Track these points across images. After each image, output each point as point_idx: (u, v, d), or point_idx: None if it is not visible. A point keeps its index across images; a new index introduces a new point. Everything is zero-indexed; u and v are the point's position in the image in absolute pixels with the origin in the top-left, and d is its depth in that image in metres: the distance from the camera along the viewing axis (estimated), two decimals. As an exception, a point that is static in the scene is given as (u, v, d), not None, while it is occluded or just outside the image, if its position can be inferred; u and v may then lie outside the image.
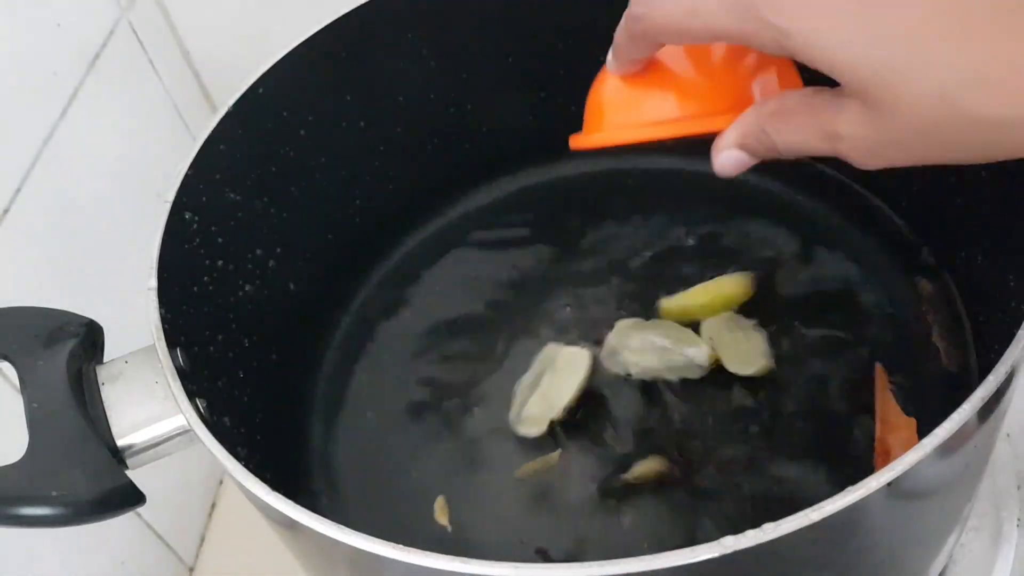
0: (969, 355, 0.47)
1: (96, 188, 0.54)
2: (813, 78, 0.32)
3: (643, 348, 0.48)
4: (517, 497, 0.47)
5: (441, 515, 0.46)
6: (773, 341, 0.49)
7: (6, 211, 0.46)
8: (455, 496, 0.47)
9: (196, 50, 0.66)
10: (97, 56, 0.55)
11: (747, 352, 0.48)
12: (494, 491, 0.47)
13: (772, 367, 0.48)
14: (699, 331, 0.49)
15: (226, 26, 0.64)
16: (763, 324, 0.50)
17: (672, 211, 0.57)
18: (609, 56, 0.37)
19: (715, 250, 0.55)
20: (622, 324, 0.49)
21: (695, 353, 0.47)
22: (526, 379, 0.49)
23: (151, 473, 0.38)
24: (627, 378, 0.49)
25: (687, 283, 0.52)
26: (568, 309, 0.53)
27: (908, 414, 0.45)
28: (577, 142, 0.39)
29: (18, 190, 0.47)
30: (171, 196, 0.43)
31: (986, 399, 0.31)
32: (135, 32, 0.59)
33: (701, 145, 0.57)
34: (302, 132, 0.51)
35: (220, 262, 0.46)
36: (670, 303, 0.50)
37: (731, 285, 0.50)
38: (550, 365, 0.49)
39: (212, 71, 0.67)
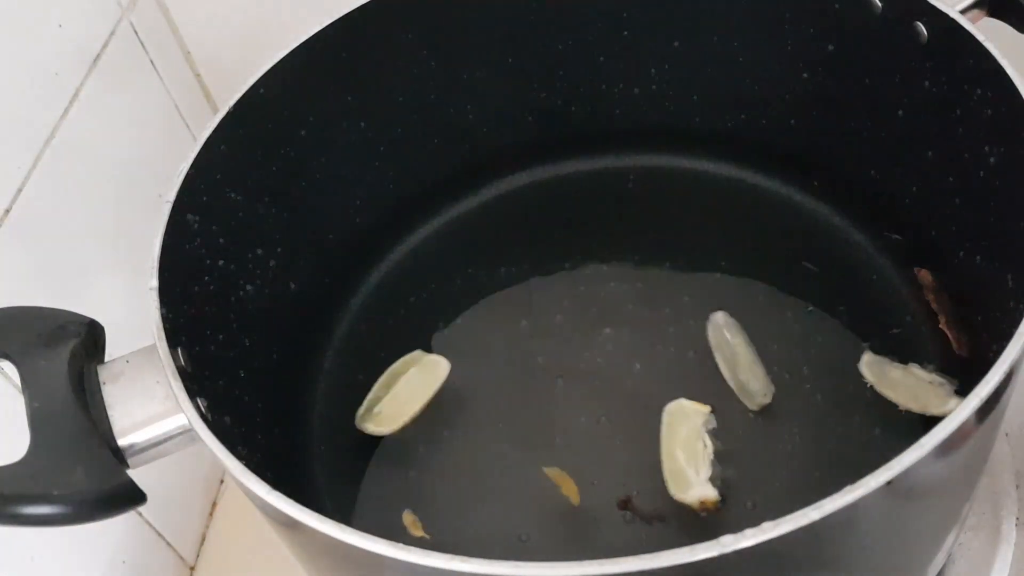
0: (979, 340, 0.47)
1: (97, 188, 0.54)
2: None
3: (685, 436, 0.46)
4: (517, 497, 0.47)
5: (414, 528, 0.46)
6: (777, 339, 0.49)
7: (7, 211, 0.46)
8: (454, 493, 0.47)
9: (197, 50, 0.66)
10: (98, 57, 0.55)
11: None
12: (496, 490, 0.47)
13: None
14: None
15: (227, 26, 0.64)
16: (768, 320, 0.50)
17: (672, 211, 0.57)
18: None
19: (716, 250, 0.55)
20: (691, 406, 0.47)
21: (693, 491, 0.45)
22: (382, 376, 0.50)
23: (152, 472, 0.38)
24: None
25: (683, 288, 0.52)
26: (560, 317, 0.53)
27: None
28: None
29: (20, 190, 0.47)
30: (172, 196, 0.43)
31: (985, 398, 0.31)
32: (136, 33, 0.59)
33: (702, 144, 0.58)
34: (302, 132, 0.51)
35: (221, 262, 0.46)
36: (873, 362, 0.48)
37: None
38: (407, 369, 0.50)
39: (213, 71, 0.67)
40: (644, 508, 0.45)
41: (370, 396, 0.51)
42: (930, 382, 0.47)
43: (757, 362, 0.49)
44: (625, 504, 0.45)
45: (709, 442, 0.45)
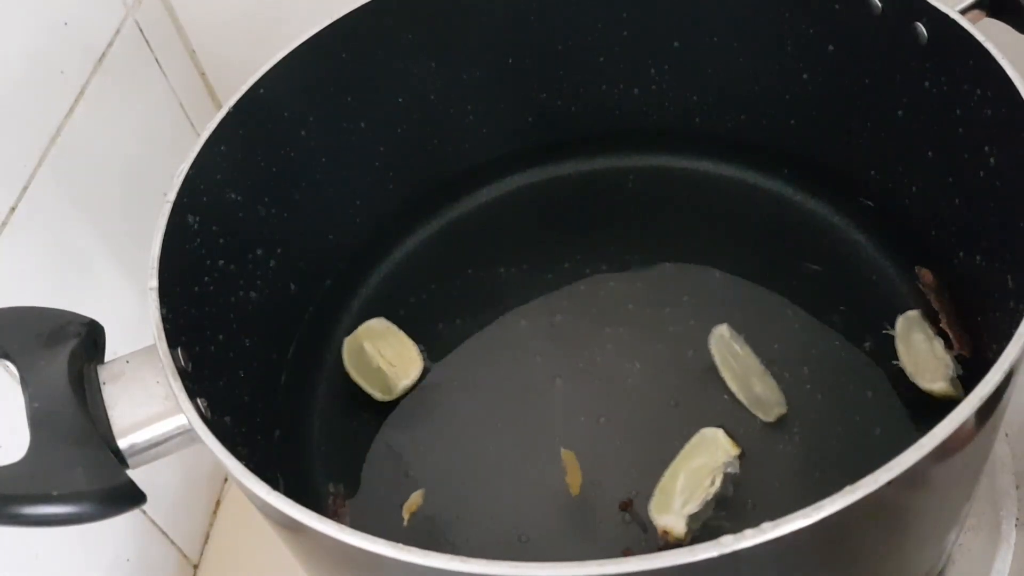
0: (980, 339, 0.47)
1: (102, 186, 0.54)
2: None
3: (698, 465, 0.45)
4: (517, 498, 0.47)
5: (407, 510, 0.46)
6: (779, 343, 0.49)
7: (13, 209, 0.46)
8: (454, 493, 0.47)
9: (202, 49, 0.66)
10: (104, 55, 0.55)
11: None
12: (497, 489, 0.47)
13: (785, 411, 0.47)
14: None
15: (232, 25, 0.65)
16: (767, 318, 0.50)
17: (672, 211, 0.57)
18: None
19: (716, 250, 0.55)
20: (724, 441, 0.45)
21: (664, 518, 0.43)
22: (351, 372, 0.52)
23: (156, 470, 0.38)
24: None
25: (683, 288, 0.52)
26: (560, 317, 0.53)
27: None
28: None
29: (25, 188, 0.47)
30: (172, 196, 0.43)
31: (984, 399, 0.31)
32: (141, 31, 0.59)
33: (702, 144, 0.58)
34: (302, 132, 0.51)
35: (221, 262, 0.46)
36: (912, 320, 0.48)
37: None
38: (360, 348, 0.52)
39: (218, 70, 0.67)
40: (644, 513, 0.45)
41: (364, 384, 0.51)
42: (937, 358, 0.47)
43: (767, 372, 0.49)
44: (626, 506, 0.45)
45: (718, 483, 0.44)
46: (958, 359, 0.46)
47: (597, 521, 0.45)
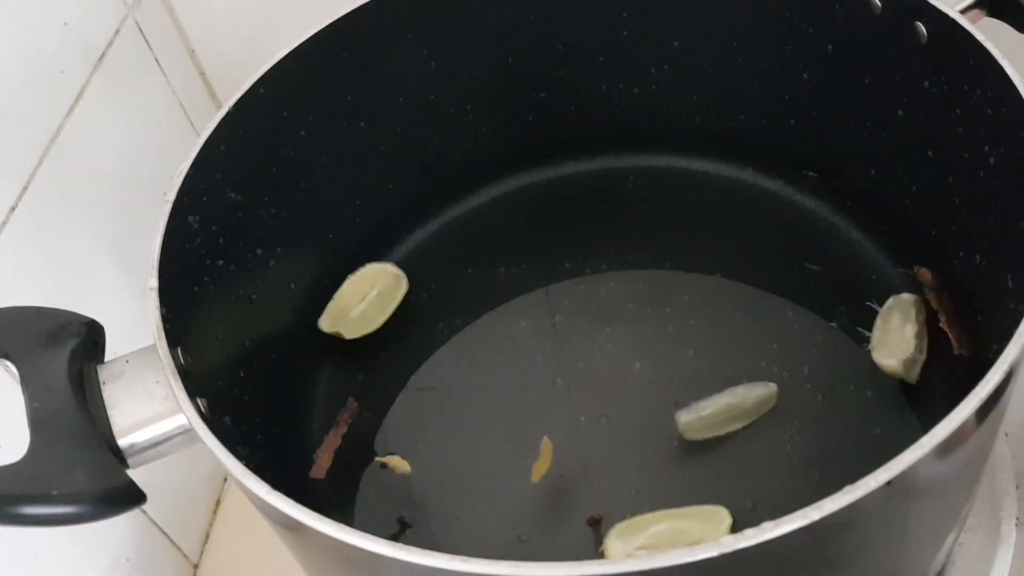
0: (980, 339, 0.46)
1: (102, 186, 0.54)
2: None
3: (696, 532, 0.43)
4: (517, 498, 0.47)
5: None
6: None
7: (13, 208, 0.46)
8: (452, 492, 0.47)
9: (202, 49, 0.66)
10: (103, 55, 0.55)
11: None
12: (495, 489, 0.47)
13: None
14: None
15: (232, 25, 0.65)
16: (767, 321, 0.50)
17: (672, 211, 0.57)
18: None
19: (716, 250, 0.55)
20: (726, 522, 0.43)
21: (616, 545, 0.43)
22: (359, 332, 0.53)
23: (156, 470, 0.38)
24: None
25: (683, 288, 0.52)
26: (560, 316, 0.53)
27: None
28: None
29: (25, 188, 0.47)
30: (172, 196, 0.43)
31: (985, 398, 0.31)
32: (141, 31, 0.59)
33: (702, 144, 0.58)
34: (302, 132, 0.51)
35: (221, 262, 0.46)
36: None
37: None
38: (344, 312, 0.53)
39: (218, 70, 0.67)
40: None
41: (378, 322, 0.53)
42: (904, 340, 0.47)
43: (736, 387, 0.48)
44: (595, 523, 0.45)
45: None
46: (958, 358, 0.46)
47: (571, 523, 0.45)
